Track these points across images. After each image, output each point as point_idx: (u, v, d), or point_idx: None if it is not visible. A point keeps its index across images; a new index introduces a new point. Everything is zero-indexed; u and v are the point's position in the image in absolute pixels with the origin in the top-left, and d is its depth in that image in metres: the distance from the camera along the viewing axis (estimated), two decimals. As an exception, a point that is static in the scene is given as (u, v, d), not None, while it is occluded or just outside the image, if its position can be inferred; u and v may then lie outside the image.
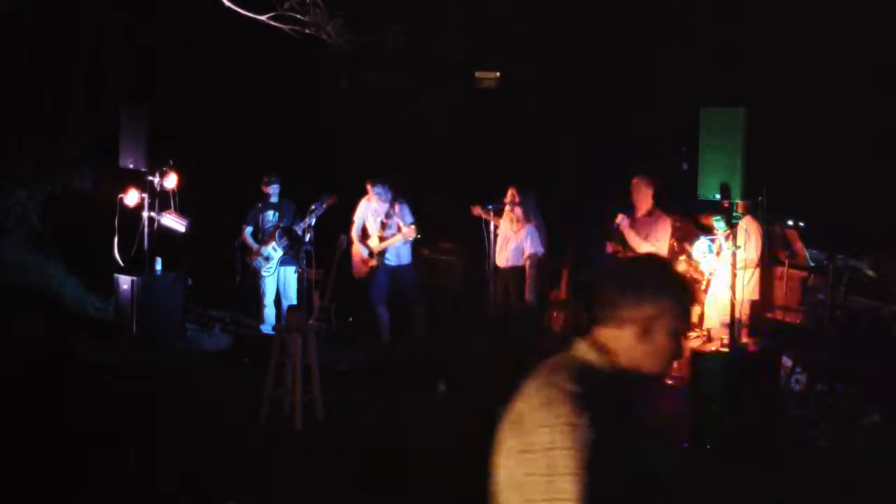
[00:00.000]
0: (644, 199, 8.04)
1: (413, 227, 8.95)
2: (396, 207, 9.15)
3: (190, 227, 9.47)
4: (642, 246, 7.92)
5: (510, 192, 8.44)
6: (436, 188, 11.12)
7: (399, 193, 9.24)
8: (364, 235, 9.31)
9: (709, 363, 6.43)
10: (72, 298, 10.45)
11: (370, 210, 9.27)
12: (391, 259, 9.18)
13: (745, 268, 7.57)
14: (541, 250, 8.28)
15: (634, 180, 8.07)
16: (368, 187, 9.16)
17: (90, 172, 11.17)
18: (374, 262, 9.17)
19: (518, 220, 8.39)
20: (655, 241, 7.99)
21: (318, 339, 7.12)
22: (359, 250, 9.26)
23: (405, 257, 9.28)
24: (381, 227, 9.16)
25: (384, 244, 9.13)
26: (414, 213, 9.24)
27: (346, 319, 9.48)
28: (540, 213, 8.51)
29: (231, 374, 8.34)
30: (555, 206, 9.49)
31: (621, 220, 7.97)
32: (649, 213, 8.05)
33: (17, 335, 9.13)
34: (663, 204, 8.32)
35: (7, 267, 10.59)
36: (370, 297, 9.25)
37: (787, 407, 7.08)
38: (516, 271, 8.50)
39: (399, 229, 9.02)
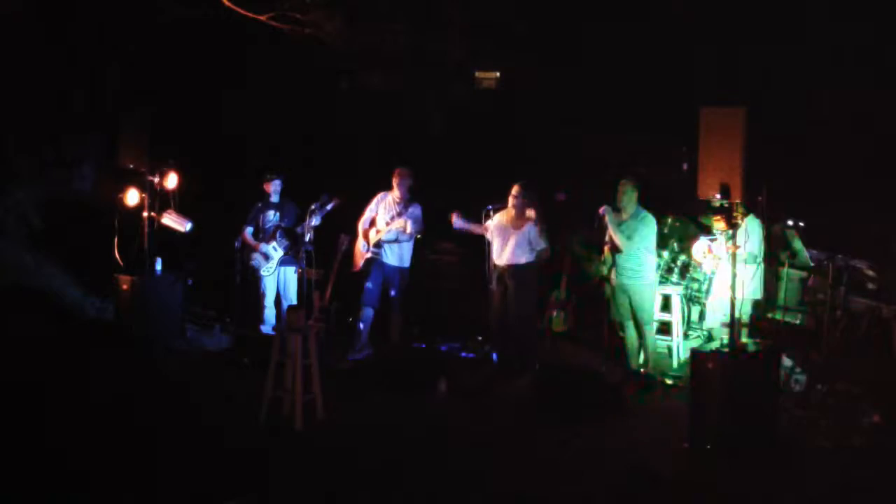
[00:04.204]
0: (630, 201, 8.10)
1: (407, 221, 8.77)
2: (410, 208, 8.94)
3: (192, 228, 9.46)
4: (626, 244, 7.98)
5: (515, 189, 8.43)
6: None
7: (416, 197, 9.05)
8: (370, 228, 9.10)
9: (709, 363, 6.43)
10: (72, 298, 10.45)
11: (385, 203, 9.05)
12: (392, 260, 9.01)
13: (748, 264, 7.59)
14: (543, 245, 8.39)
15: (621, 183, 8.15)
16: (397, 173, 8.96)
17: (90, 172, 11.17)
18: (368, 255, 8.95)
19: (522, 217, 8.40)
20: (640, 240, 8.03)
21: (318, 339, 7.11)
22: (360, 245, 9.05)
23: (406, 260, 9.08)
24: (390, 222, 8.95)
25: (378, 235, 8.91)
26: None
27: (346, 319, 9.46)
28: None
29: (231, 374, 8.34)
30: (555, 207, 9.48)
31: (604, 210, 8.03)
32: (635, 215, 8.09)
33: (18, 335, 9.13)
34: (663, 204, 8.32)
35: (7, 267, 10.59)
36: (362, 297, 8.96)
37: (787, 407, 7.08)
38: (516, 269, 8.45)
39: (405, 229, 8.85)
